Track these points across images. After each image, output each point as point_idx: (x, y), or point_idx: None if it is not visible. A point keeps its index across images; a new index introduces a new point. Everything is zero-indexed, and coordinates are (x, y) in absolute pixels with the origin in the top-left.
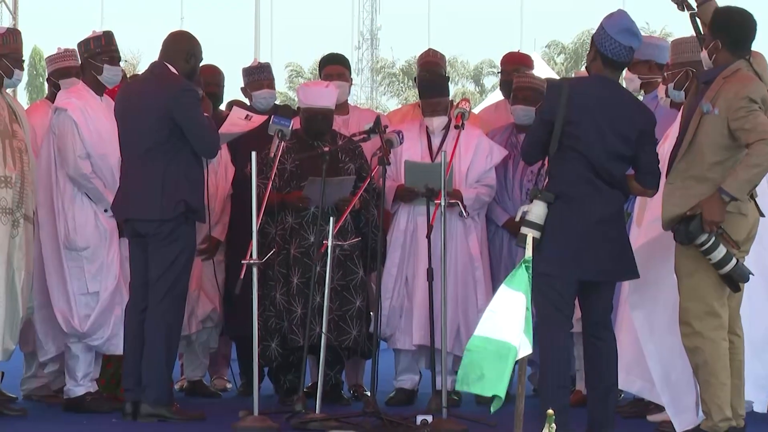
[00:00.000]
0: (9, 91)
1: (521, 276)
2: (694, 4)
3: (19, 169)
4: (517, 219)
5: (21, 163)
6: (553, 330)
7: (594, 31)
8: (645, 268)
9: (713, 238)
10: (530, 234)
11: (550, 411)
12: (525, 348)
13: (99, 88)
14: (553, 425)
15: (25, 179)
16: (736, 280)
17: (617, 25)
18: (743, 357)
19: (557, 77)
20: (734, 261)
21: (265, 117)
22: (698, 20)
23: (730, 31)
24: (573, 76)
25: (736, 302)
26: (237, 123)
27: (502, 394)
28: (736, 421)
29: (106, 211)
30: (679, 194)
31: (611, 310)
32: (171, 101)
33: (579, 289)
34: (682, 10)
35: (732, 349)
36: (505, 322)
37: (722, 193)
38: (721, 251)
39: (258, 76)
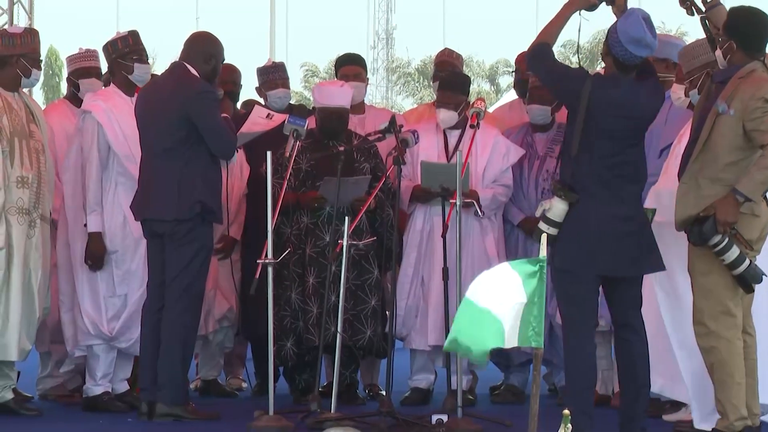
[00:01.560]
0: (25, 90)
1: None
2: (702, 7)
3: (36, 170)
4: (537, 214)
5: (38, 163)
6: (576, 330)
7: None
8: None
9: (726, 239)
10: (547, 231)
11: (566, 411)
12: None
13: (130, 89)
14: (569, 425)
15: (41, 180)
16: (749, 280)
17: (629, 34)
18: (756, 356)
19: None
20: (747, 262)
21: (285, 116)
22: (708, 23)
23: (745, 30)
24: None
25: (748, 302)
26: (258, 122)
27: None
28: (751, 420)
29: (86, 225)
30: (693, 195)
31: (640, 308)
32: (188, 103)
33: (604, 286)
34: (691, 14)
35: (745, 348)
36: (493, 295)
37: (736, 193)
38: (734, 252)
39: (272, 75)
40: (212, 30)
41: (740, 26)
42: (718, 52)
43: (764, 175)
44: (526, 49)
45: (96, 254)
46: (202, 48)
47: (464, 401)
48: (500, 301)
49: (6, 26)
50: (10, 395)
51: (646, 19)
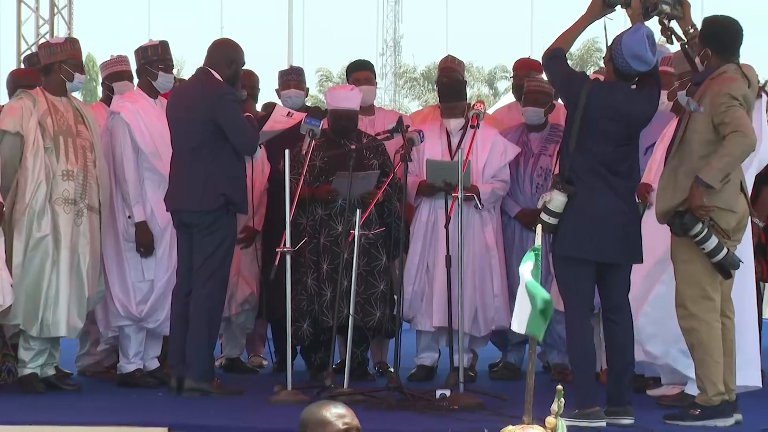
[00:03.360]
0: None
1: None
2: (683, 36)
3: (82, 164)
4: (539, 206)
5: (84, 159)
6: (576, 312)
7: (597, 39)
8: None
9: (706, 230)
10: (548, 221)
11: (559, 387)
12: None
13: (153, 92)
14: (562, 399)
15: (88, 173)
16: (727, 267)
17: (632, 49)
18: (734, 337)
19: None
20: (725, 250)
21: (304, 115)
22: (690, 50)
23: (718, 36)
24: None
25: (728, 287)
26: (279, 120)
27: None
28: (728, 395)
29: (129, 217)
30: (671, 188)
31: (627, 293)
32: (213, 105)
33: (597, 273)
34: (671, 43)
35: (724, 330)
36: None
37: (698, 181)
38: (713, 241)
39: (287, 77)
40: (234, 38)
41: (713, 32)
42: (697, 59)
43: (723, 162)
44: (522, 56)
45: (145, 241)
46: (224, 53)
47: (465, 377)
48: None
49: (47, 36)
50: (52, 371)
51: (650, 37)
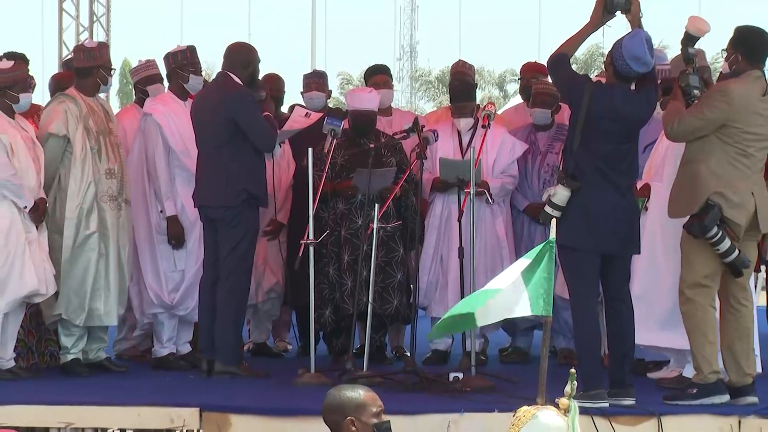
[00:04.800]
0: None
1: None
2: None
3: (119, 162)
4: (543, 199)
5: (119, 156)
6: (582, 300)
7: (600, 44)
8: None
9: (720, 232)
10: (552, 214)
11: (572, 370)
12: (523, 309)
13: (183, 94)
14: (575, 382)
15: (123, 170)
16: (738, 267)
17: (632, 51)
18: (751, 324)
19: None
20: (737, 252)
21: (321, 114)
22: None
23: (748, 44)
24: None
25: (745, 277)
26: (298, 120)
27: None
28: (743, 378)
29: (161, 212)
30: (689, 188)
31: (627, 282)
32: (232, 107)
33: (599, 263)
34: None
35: (739, 317)
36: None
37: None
38: (726, 243)
39: (309, 80)
40: (262, 45)
41: (744, 40)
42: (725, 65)
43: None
44: (529, 60)
45: (176, 234)
46: (240, 56)
47: (477, 361)
48: (502, 279)
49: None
50: (103, 355)
51: (648, 41)
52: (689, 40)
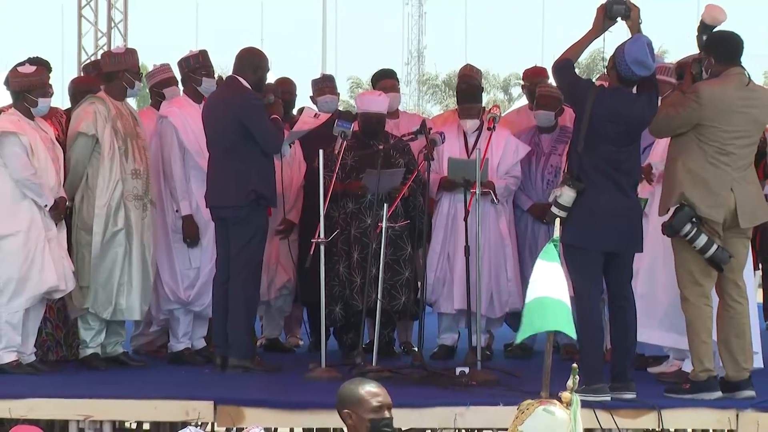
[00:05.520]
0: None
1: (551, 251)
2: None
3: (144, 164)
4: (550, 200)
5: (145, 158)
6: (586, 297)
7: (602, 49)
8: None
9: (695, 229)
10: (558, 214)
11: (575, 365)
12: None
13: (198, 97)
14: (577, 377)
15: (149, 171)
16: (717, 262)
17: (633, 55)
18: (747, 320)
19: None
20: (715, 246)
21: (329, 115)
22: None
23: (718, 47)
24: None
25: (737, 274)
26: (307, 121)
27: (572, 333)
28: (740, 373)
29: (177, 211)
30: (667, 188)
31: (630, 280)
32: (240, 110)
33: (603, 262)
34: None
35: (734, 314)
36: (552, 286)
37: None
38: (702, 239)
39: (321, 84)
40: (273, 50)
41: (715, 43)
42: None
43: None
44: (533, 65)
45: (191, 232)
46: (250, 61)
47: (482, 356)
48: (561, 289)
49: (105, 48)
50: (120, 349)
51: (649, 45)
52: (705, 28)
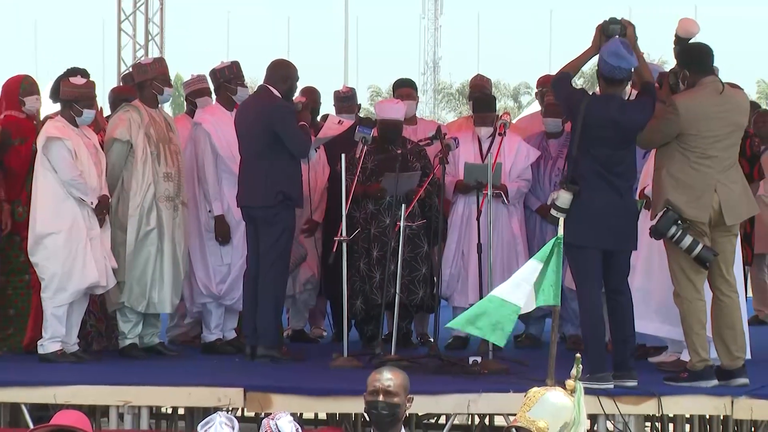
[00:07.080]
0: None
1: (545, 250)
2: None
3: (176, 167)
4: (549, 203)
5: (177, 162)
6: (588, 294)
7: None
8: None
9: (680, 231)
10: (557, 216)
11: (578, 355)
12: (529, 305)
13: (230, 105)
14: (580, 366)
15: (181, 174)
16: (703, 260)
17: (608, 49)
18: (738, 313)
19: None
20: (700, 246)
21: (352, 122)
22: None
23: (689, 59)
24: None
25: (727, 271)
26: (332, 127)
27: (499, 342)
28: (734, 362)
29: (210, 212)
30: (655, 194)
31: (627, 276)
32: (270, 117)
33: (602, 259)
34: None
35: (724, 307)
36: (518, 288)
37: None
38: (687, 240)
39: (345, 103)
40: (300, 60)
41: (687, 56)
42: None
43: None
44: (541, 75)
45: (223, 231)
46: (280, 72)
47: (494, 347)
48: (516, 289)
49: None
50: (157, 340)
51: (623, 43)
52: (679, 40)
